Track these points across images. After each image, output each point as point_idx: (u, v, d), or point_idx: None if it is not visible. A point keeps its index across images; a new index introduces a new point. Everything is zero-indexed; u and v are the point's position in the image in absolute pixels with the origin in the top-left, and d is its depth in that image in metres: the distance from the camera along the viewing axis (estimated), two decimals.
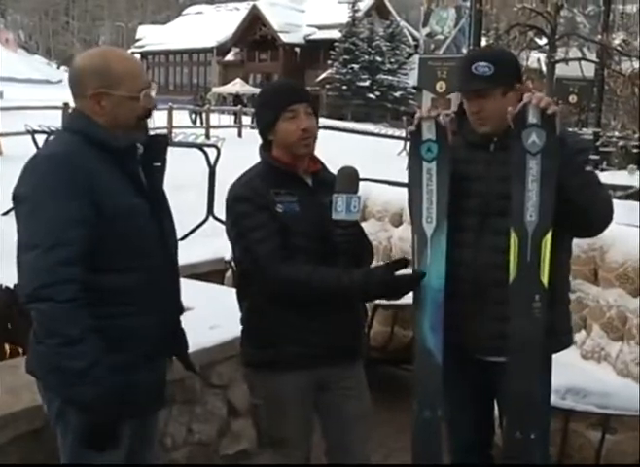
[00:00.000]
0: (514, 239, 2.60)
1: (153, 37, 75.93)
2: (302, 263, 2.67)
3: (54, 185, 2.21)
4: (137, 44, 78.21)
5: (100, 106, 2.34)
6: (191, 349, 3.73)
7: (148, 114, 2.43)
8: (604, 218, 2.70)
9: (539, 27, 10.72)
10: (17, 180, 2.30)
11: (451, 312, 2.73)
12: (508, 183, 2.65)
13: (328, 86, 55.79)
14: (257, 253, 2.68)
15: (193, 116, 33.74)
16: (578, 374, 3.87)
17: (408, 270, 2.75)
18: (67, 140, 2.37)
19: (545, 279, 2.57)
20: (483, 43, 14.46)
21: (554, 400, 3.22)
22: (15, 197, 2.28)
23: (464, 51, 11.10)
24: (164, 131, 19.61)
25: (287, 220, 2.69)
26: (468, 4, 11.90)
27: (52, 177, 2.23)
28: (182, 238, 7.53)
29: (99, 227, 2.25)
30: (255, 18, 64.89)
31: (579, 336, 4.36)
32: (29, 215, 2.23)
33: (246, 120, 28.58)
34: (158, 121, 24.93)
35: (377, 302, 4.86)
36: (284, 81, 3.33)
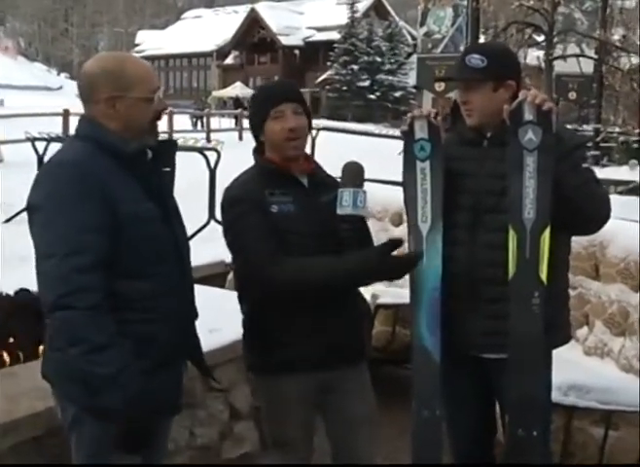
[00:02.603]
0: (512, 236, 2.59)
1: (152, 42, 76.03)
2: (296, 259, 2.65)
3: (67, 193, 2.21)
4: (137, 49, 78.18)
5: (114, 109, 2.33)
6: None
7: (159, 117, 2.43)
8: (601, 215, 2.69)
9: (536, 24, 10.72)
10: (30, 189, 2.29)
11: (447, 310, 2.72)
12: (501, 179, 2.65)
13: (328, 87, 55.83)
14: (253, 253, 2.66)
15: (194, 120, 33.77)
16: (580, 370, 3.85)
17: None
18: (78, 147, 2.35)
19: (543, 276, 2.56)
20: (482, 41, 14.46)
21: (557, 397, 3.22)
22: (28, 207, 2.28)
23: (462, 49, 11.08)
24: (165, 136, 19.62)
25: (281, 220, 2.67)
26: (465, 2, 11.93)
27: (64, 185, 2.22)
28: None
29: (113, 232, 2.24)
30: (254, 22, 65.00)
31: (581, 332, 4.36)
32: (44, 224, 2.22)
33: (246, 123, 28.41)
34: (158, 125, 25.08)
35: (379, 301, 4.87)
36: (276, 81, 3.32)
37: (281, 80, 3.24)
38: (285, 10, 65.98)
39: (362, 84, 53.99)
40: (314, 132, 14.17)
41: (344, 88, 54.46)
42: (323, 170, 2.90)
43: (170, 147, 2.54)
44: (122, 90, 2.32)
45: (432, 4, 12.19)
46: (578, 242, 4.15)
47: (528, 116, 2.55)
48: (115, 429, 2.22)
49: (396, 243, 2.60)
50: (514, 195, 2.59)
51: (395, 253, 2.61)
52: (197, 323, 3.96)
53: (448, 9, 12.14)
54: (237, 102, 41.82)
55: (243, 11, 68.55)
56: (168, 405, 2.46)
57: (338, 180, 2.71)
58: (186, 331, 2.52)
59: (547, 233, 2.55)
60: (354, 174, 2.67)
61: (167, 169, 2.51)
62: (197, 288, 4.67)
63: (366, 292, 4.18)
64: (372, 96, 53.60)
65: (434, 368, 2.74)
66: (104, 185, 2.24)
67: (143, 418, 2.23)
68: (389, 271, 2.64)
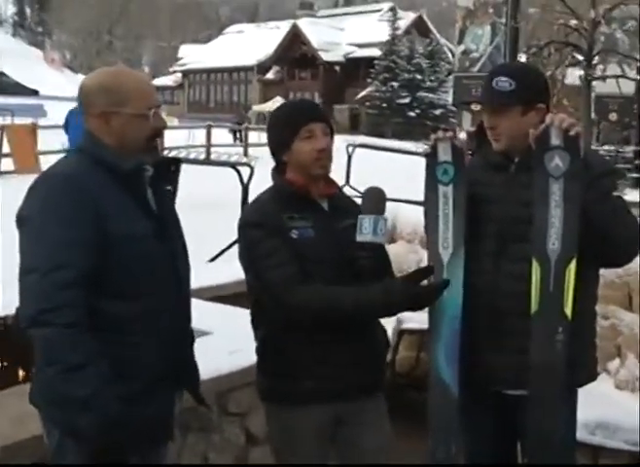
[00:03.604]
0: (535, 268, 2.46)
1: (194, 56, 76.78)
2: (317, 286, 2.56)
3: (57, 206, 2.16)
4: (179, 63, 79.16)
5: (108, 125, 2.29)
6: (208, 375, 3.66)
7: (158, 134, 2.38)
8: (632, 246, 2.55)
9: (575, 44, 10.53)
10: (22, 200, 2.24)
11: (468, 342, 2.60)
12: (528, 206, 2.53)
13: (367, 103, 55.84)
14: (271, 280, 2.57)
15: (233, 134, 33.93)
16: (610, 406, 3.70)
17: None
18: (74, 161, 2.32)
19: (568, 311, 2.43)
20: (523, 60, 14.32)
21: (583, 435, 3.08)
22: (18, 218, 2.22)
23: None
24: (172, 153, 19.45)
25: (301, 246, 2.58)
26: (503, 21, 11.79)
27: (55, 198, 2.17)
28: (213, 259, 7.47)
29: (104, 250, 2.18)
30: (295, 37, 65.34)
31: (612, 364, 4.21)
32: (30, 237, 2.17)
33: None
34: (197, 138, 25.20)
35: (403, 327, 4.76)
36: (300, 100, 3.25)
37: (305, 99, 3.16)
38: (326, 26, 66.24)
39: (402, 101, 53.91)
40: (350, 149, 14.07)
41: (384, 104, 54.42)
42: (344, 193, 2.82)
43: (172, 165, 2.47)
44: (116, 106, 2.28)
45: (470, 22, 12.08)
46: (611, 270, 4.01)
47: (555, 141, 2.42)
48: (84, 454, 2.14)
49: (421, 274, 2.51)
50: (538, 224, 2.47)
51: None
52: (217, 344, 3.91)
53: (487, 27, 12.02)
54: None
55: (285, 26, 68.96)
56: (156, 431, 2.36)
57: (359, 204, 2.61)
58: (178, 355, 2.42)
59: (572, 265, 2.42)
60: (375, 200, 2.58)
61: (169, 187, 2.46)
62: (220, 308, 4.66)
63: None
64: (411, 114, 53.48)
65: (451, 401, 2.62)
66: (96, 200, 2.19)
67: (124, 444, 2.14)
68: (412, 303, 2.54)
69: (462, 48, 12.48)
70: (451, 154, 2.68)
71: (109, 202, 2.21)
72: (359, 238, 2.52)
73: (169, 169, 2.46)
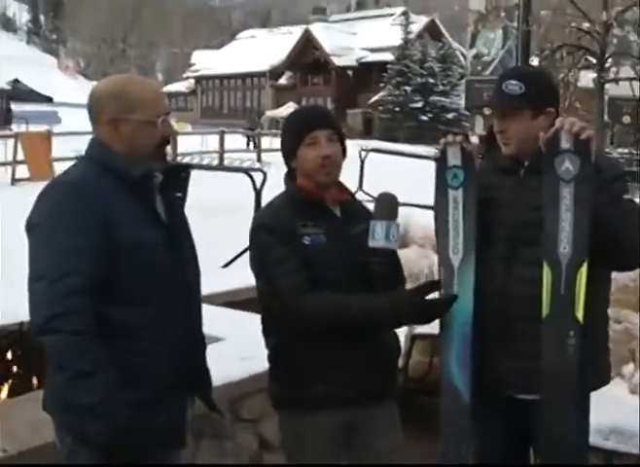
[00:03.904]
0: (546, 272, 2.45)
1: (207, 62, 77.00)
2: (326, 294, 2.56)
3: (66, 213, 2.17)
4: (192, 69, 79.41)
5: (117, 132, 2.30)
6: (220, 382, 3.66)
7: (166, 141, 2.38)
8: None
9: (587, 47, 10.47)
10: (31, 207, 2.26)
11: (480, 347, 2.60)
12: (538, 210, 2.52)
13: (380, 108, 55.84)
14: (280, 286, 2.57)
15: (247, 139, 33.99)
16: (624, 411, 3.66)
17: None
18: (84, 168, 2.32)
19: (580, 314, 2.42)
20: (535, 63, 14.26)
21: (597, 441, 3.06)
22: (27, 225, 2.23)
23: None
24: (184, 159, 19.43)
25: (313, 252, 2.58)
26: (515, 24, 11.76)
27: (64, 205, 2.18)
28: (227, 264, 7.48)
29: (112, 258, 2.18)
30: (308, 42, 65.44)
31: (627, 369, 4.19)
32: (39, 244, 2.18)
33: None
34: (210, 144, 25.27)
35: (416, 332, 4.75)
36: (309, 107, 3.27)
37: (315, 106, 3.17)
38: (339, 31, 66.31)
39: (414, 105, 53.87)
40: (363, 154, 14.07)
41: (397, 109, 54.39)
42: (356, 199, 2.82)
43: (181, 171, 2.49)
44: (125, 113, 2.28)
45: (482, 26, 12.07)
46: (624, 274, 3.99)
47: (565, 144, 2.41)
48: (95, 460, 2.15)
49: (429, 287, 2.50)
50: (549, 228, 2.46)
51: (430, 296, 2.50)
52: (229, 351, 3.91)
53: (498, 31, 12.00)
54: None
55: (298, 31, 69.10)
56: (167, 438, 2.35)
57: (371, 210, 2.62)
58: (190, 362, 2.42)
59: (584, 268, 2.41)
60: (388, 206, 2.57)
61: (178, 194, 2.47)
62: (232, 313, 4.66)
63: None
64: (424, 118, 53.43)
65: (463, 407, 2.61)
66: (105, 208, 2.19)
67: (135, 451, 2.15)
68: (418, 315, 2.51)
69: (474, 51, 12.47)
70: (461, 158, 2.67)
71: (117, 209, 2.22)
72: (371, 244, 2.51)
73: (179, 176, 2.47)
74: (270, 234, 2.60)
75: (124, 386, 2.14)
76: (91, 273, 2.14)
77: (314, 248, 2.59)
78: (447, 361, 2.65)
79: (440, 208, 2.73)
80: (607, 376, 2.79)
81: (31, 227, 2.21)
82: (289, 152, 2.69)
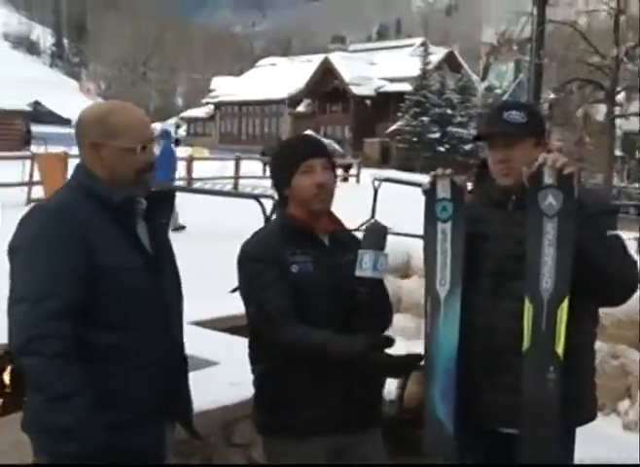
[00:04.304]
0: (527, 307, 2.46)
1: (226, 88, 77.57)
2: (313, 325, 2.57)
3: (47, 238, 2.20)
4: (211, 94, 80.00)
5: (99, 157, 2.33)
6: (211, 406, 3.67)
7: (148, 168, 2.40)
8: (627, 286, 2.52)
9: (597, 82, 10.46)
10: (14, 231, 2.29)
11: (466, 380, 2.59)
12: (523, 244, 2.52)
13: (398, 137, 56.01)
14: (267, 312, 2.59)
15: (263, 165, 34.09)
16: (615, 447, 3.62)
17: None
18: (67, 193, 2.36)
19: (560, 350, 2.41)
20: (551, 96, 14.28)
21: None
22: (9, 248, 2.26)
23: None
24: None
25: (301, 280, 2.60)
26: (527, 58, 11.80)
27: (44, 230, 2.21)
28: (234, 290, 7.49)
29: (91, 282, 2.21)
30: (327, 71, 65.83)
31: (622, 405, 4.15)
32: (20, 267, 2.21)
33: None
34: (227, 170, 25.38)
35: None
36: (302, 135, 3.27)
37: (307, 134, 3.16)
38: (358, 60, 66.71)
39: (432, 135, 54.03)
40: (376, 183, 14.07)
41: (414, 139, 54.55)
42: (346, 229, 2.82)
43: (166, 198, 2.51)
44: (105, 138, 2.32)
45: (494, 58, 12.13)
46: (620, 309, 3.97)
47: (548, 179, 2.42)
48: None
49: (387, 342, 2.48)
50: (531, 263, 2.46)
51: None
52: (221, 375, 3.92)
53: (510, 64, 12.06)
54: None
55: (317, 60, 69.54)
56: (144, 462, 2.36)
57: (360, 240, 2.62)
58: (169, 387, 2.43)
59: (565, 304, 2.41)
60: (376, 236, 2.57)
61: (163, 220, 2.49)
62: (230, 339, 4.67)
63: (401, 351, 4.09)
64: (441, 148, 53.54)
65: (446, 440, 2.60)
66: (86, 233, 2.22)
67: None
68: (376, 368, 2.53)
69: (486, 84, 12.52)
70: (450, 191, 2.69)
71: (99, 234, 2.25)
72: (358, 273, 2.52)
73: (163, 202, 2.49)
74: (257, 262, 2.62)
75: (102, 410, 2.16)
76: (72, 297, 2.17)
77: (301, 276, 2.60)
78: (431, 395, 2.64)
79: (428, 240, 2.73)
80: (593, 411, 2.77)
81: (13, 250, 2.24)
82: (283, 179, 2.70)
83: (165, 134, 15.90)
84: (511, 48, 11.94)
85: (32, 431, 2.27)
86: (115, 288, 2.25)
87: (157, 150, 2.51)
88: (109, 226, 2.28)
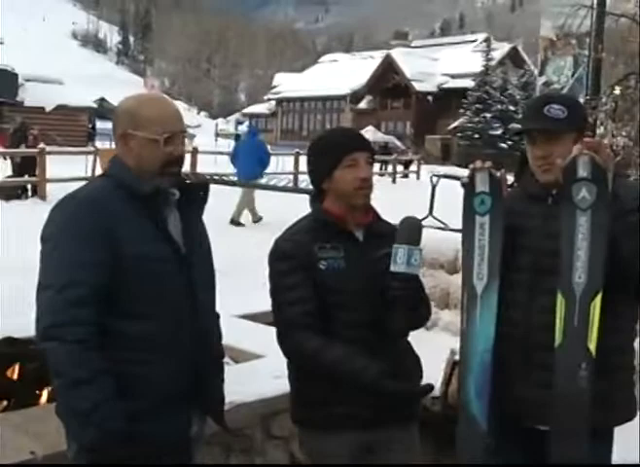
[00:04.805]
0: (560, 302, 2.41)
1: (288, 84, 77.95)
2: (345, 322, 2.59)
3: (74, 226, 2.25)
4: (273, 91, 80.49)
5: (128, 147, 2.38)
6: (252, 398, 3.71)
7: (175, 162, 2.42)
8: None
9: None
10: (46, 220, 2.35)
11: (500, 375, 2.56)
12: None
13: (459, 134, 55.57)
14: (284, 314, 2.60)
15: None
16: None
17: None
18: (98, 184, 2.42)
19: (592, 346, 2.36)
20: (617, 92, 13.97)
21: None
22: (41, 236, 2.32)
23: (581, 100, 10.75)
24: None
25: (330, 277, 2.59)
26: (586, 52, 11.58)
27: (73, 219, 2.27)
28: None
29: (116, 271, 2.25)
30: (389, 67, 65.67)
31: None
32: (49, 255, 2.27)
33: (375, 167, 28.69)
34: (286, 165, 25.49)
35: (457, 358, 4.69)
36: (344, 128, 3.22)
37: (348, 128, 3.11)
38: (420, 56, 66.38)
39: (494, 132, 53.45)
40: (435, 179, 14.00)
41: (476, 135, 54.06)
42: (384, 221, 2.80)
43: (199, 189, 2.53)
44: (133, 128, 2.36)
45: (552, 53, 11.92)
46: None
47: (582, 172, 2.37)
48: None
49: (425, 390, 2.52)
50: (564, 257, 2.42)
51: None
52: (266, 368, 3.95)
53: (569, 58, 11.81)
54: None
55: (379, 56, 69.47)
56: (165, 451, 2.38)
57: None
58: (197, 379, 2.45)
59: (598, 299, 2.35)
60: (411, 230, 2.54)
61: (198, 211, 2.52)
62: (268, 330, 4.69)
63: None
64: (503, 145, 52.92)
65: (479, 438, 2.57)
66: (114, 222, 2.27)
67: (129, 459, 2.19)
68: (386, 394, 2.50)
69: (543, 79, 12.32)
70: (489, 184, 2.65)
71: (126, 224, 2.29)
72: (393, 268, 2.49)
73: (197, 194, 2.52)
74: (286, 260, 2.62)
75: (121, 396, 2.20)
76: (96, 285, 2.22)
77: (329, 273, 2.59)
78: (467, 389, 2.62)
79: (466, 234, 2.70)
80: (632, 411, 2.70)
81: (43, 238, 2.30)
82: (323, 172, 2.67)
83: (251, 132, 16.55)
84: (569, 42, 11.72)
85: (61, 415, 2.32)
86: (139, 277, 2.29)
87: (188, 145, 2.53)
88: (137, 216, 2.32)
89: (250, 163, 14.38)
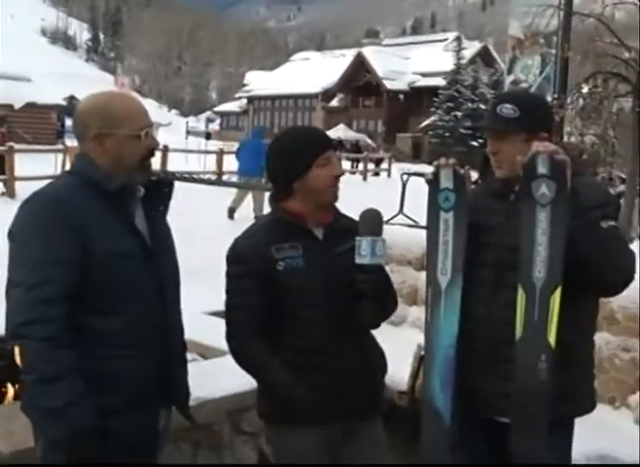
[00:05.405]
0: (521, 295, 2.45)
1: (260, 82, 77.81)
2: (312, 321, 2.63)
3: (42, 224, 2.25)
4: (244, 89, 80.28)
5: (102, 147, 2.37)
6: (220, 394, 3.71)
7: (151, 154, 2.44)
8: (621, 276, 2.50)
9: (622, 75, 10.29)
10: (13, 217, 2.35)
11: (464, 369, 2.60)
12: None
13: (430, 132, 55.82)
14: (229, 316, 2.67)
15: None
16: (621, 440, 3.61)
17: None
18: (64, 181, 2.42)
19: (552, 339, 2.40)
20: (585, 91, 14.08)
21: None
22: (8, 234, 2.32)
23: (548, 98, 10.83)
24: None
25: (288, 277, 2.61)
26: (554, 51, 11.69)
27: (40, 216, 2.27)
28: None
29: (86, 268, 2.26)
30: (360, 65, 65.80)
31: (633, 398, 4.11)
32: (18, 252, 2.27)
33: (346, 165, 28.75)
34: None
35: (423, 353, 4.73)
36: (310, 128, 3.22)
37: (313, 127, 3.11)
38: (391, 55, 66.57)
39: (465, 130, 53.72)
40: (405, 177, 14.04)
41: (447, 134, 54.34)
42: (345, 217, 2.81)
43: (164, 186, 2.54)
44: (110, 128, 2.36)
45: (520, 52, 12.02)
46: (633, 302, 3.95)
47: (542, 169, 2.42)
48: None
49: None
50: (525, 252, 2.46)
51: None
52: (231, 364, 3.94)
53: (536, 57, 11.93)
54: (339, 144, 42.17)
55: (350, 54, 69.51)
56: (136, 445, 2.40)
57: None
58: (163, 372, 2.46)
59: (557, 293, 2.40)
60: (372, 222, 2.57)
61: (160, 208, 2.52)
62: None
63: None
64: (474, 143, 53.21)
65: (443, 432, 2.60)
66: (81, 219, 2.27)
67: (99, 457, 2.20)
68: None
69: (512, 78, 12.42)
70: (453, 181, 2.69)
71: (95, 221, 2.29)
72: (357, 261, 2.52)
73: (161, 191, 2.53)
74: (241, 263, 2.64)
75: (92, 393, 2.21)
76: (65, 283, 2.22)
77: (287, 273, 2.61)
78: (431, 383, 2.65)
79: (431, 229, 2.73)
80: (591, 402, 2.75)
81: (12, 235, 2.30)
82: (295, 171, 2.65)
83: (257, 133, 16.66)
84: (537, 41, 11.82)
85: (28, 412, 2.33)
86: (109, 273, 2.30)
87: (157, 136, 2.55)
88: (105, 212, 2.32)
89: (251, 162, 14.49)
